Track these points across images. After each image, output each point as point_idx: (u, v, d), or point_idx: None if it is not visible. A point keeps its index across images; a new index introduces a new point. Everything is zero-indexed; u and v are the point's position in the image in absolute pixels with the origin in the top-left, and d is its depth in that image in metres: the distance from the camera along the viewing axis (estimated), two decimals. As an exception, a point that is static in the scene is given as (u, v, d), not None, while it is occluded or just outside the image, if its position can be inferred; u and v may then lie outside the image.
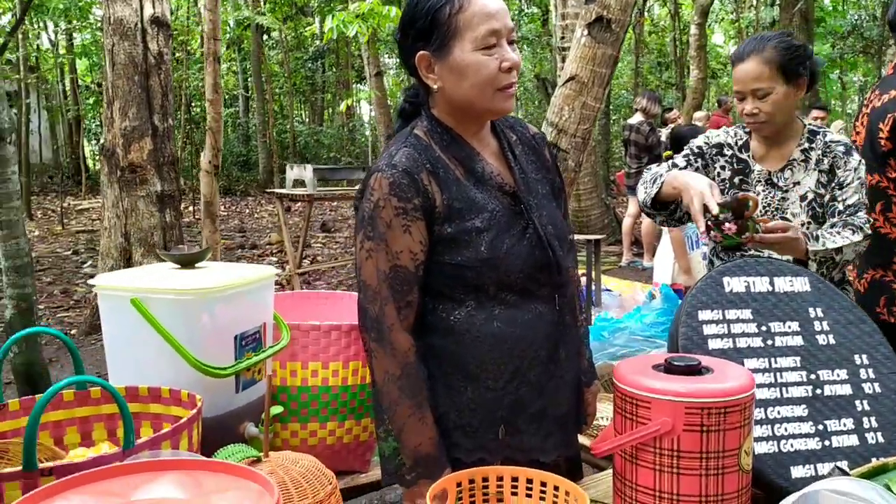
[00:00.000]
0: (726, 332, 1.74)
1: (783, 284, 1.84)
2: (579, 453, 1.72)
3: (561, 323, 1.56)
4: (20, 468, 1.43)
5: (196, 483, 1.01)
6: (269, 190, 7.83)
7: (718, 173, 2.30)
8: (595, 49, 4.31)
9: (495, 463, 1.49)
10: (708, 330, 1.73)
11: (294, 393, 1.82)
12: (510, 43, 1.46)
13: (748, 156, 2.27)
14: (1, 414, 1.45)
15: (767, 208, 2.22)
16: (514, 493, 1.33)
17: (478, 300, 1.49)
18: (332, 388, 1.85)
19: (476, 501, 1.31)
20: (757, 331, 1.75)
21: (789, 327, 1.78)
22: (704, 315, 1.75)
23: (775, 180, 2.22)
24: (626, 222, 8.32)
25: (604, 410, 2.16)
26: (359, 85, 22.12)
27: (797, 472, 1.55)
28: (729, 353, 1.70)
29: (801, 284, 1.85)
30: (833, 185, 2.16)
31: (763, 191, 2.23)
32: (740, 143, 2.28)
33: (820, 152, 2.18)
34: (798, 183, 2.20)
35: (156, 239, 5.47)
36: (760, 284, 1.82)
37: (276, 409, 1.68)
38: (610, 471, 1.61)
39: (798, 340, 1.77)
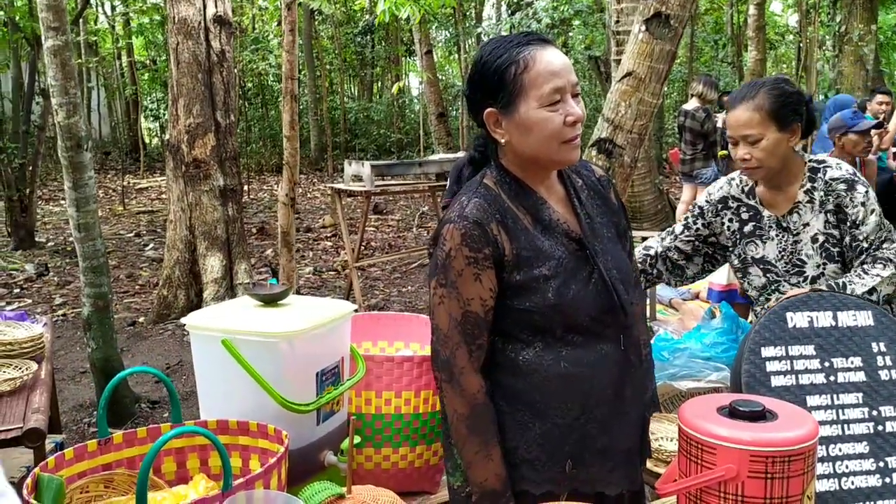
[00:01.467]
0: (789, 368, 1.77)
1: (846, 319, 1.86)
2: (643, 487, 1.79)
3: (626, 362, 1.62)
4: (126, 497, 1.55)
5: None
6: (329, 185, 7.96)
7: (728, 226, 2.29)
8: (652, 45, 4.28)
9: (562, 495, 1.57)
10: (771, 367, 1.76)
11: (368, 420, 1.92)
12: (574, 96, 1.52)
13: (756, 202, 2.25)
14: (106, 447, 1.57)
15: (783, 253, 2.21)
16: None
17: (545, 341, 1.56)
18: (405, 416, 1.94)
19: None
20: (820, 367, 1.78)
21: (852, 363, 1.80)
22: (767, 352, 1.78)
23: (785, 224, 2.20)
24: (680, 208, 8.20)
25: (661, 430, 2.20)
26: (408, 58, 22.11)
27: (858, 511, 1.59)
28: (792, 389, 1.74)
29: (864, 318, 1.87)
30: (847, 224, 2.14)
31: (776, 236, 2.21)
32: (746, 189, 2.26)
33: (822, 192, 2.15)
34: (807, 224, 2.17)
35: (219, 232, 5.63)
36: (824, 319, 1.84)
37: (355, 440, 1.77)
38: (671, 499, 1.67)
39: (861, 376, 1.79)
